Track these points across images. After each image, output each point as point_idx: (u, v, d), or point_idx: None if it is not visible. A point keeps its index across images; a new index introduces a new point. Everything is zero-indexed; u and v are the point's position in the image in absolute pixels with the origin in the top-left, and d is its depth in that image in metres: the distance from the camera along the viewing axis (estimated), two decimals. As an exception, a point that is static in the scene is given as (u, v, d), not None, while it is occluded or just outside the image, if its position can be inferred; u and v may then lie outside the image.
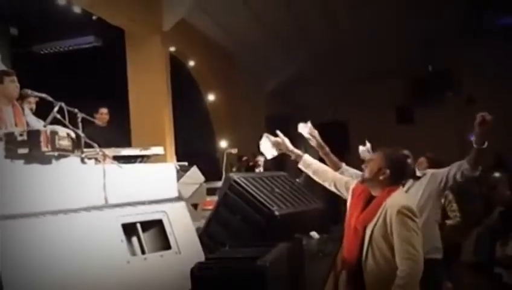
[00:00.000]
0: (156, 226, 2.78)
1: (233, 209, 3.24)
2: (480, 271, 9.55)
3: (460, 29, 16.73)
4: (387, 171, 3.58)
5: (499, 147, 16.88)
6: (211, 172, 9.72)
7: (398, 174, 3.64)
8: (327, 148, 4.76)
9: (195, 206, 7.55)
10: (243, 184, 3.24)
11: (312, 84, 17.46)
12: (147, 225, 2.75)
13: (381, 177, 3.58)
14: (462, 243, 10.30)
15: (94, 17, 10.09)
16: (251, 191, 3.21)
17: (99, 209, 2.76)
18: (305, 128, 4.77)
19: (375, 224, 3.50)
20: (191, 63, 12.67)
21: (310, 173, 4.14)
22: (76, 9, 9.35)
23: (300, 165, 4.23)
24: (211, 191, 8.02)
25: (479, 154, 4.44)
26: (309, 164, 4.17)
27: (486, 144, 4.35)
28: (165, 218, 2.81)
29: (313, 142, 4.75)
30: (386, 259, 3.45)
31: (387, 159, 3.63)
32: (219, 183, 8.52)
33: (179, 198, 3.17)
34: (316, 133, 4.71)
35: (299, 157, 4.22)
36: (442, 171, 4.81)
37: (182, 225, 2.85)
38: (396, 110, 19.68)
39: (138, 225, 2.69)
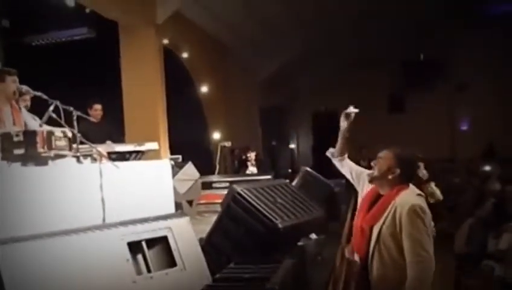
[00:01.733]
0: (160, 242, 2.77)
1: (237, 221, 3.24)
2: (471, 262, 9.65)
3: (451, 17, 16.73)
4: (397, 170, 3.57)
5: (492, 134, 17.09)
6: (204, 164, 9.71)
7: (407, 173, 3.63)
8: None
9: (190, 202, 7.55)
10: (246, 196, 3.24)
11: (304, 75, 17.45)
12: (151, 242, 2.74)
13: (390, 177, 3.58)
14: (455, 234, 10.41)
15: (87, 10, 9.98)
16: (254, 203, 3.21)
17: (104, 228, 2.74)
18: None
19: (383, 223, 3.48)
20: (185, 55, 12.61)
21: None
22: (70, 3, 9.21)
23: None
24: (205, 186, 8.00)
25: None
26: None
27: None
28: (170, 234, 2.79)
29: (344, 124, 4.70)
30: (393, 258, 3.43)
31: (397, 158, 3.62)
32: (213, 177, 8.53)
33: (183, 213, 3.17)
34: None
35: None
36: None
37: (186, 240, 2.83)
38: (387, 99, 19.71)
39: (143, 243, 2.68)
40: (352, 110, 4.70)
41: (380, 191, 3.65)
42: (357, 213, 3.79)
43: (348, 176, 4.78)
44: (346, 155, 4.88)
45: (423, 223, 3.36)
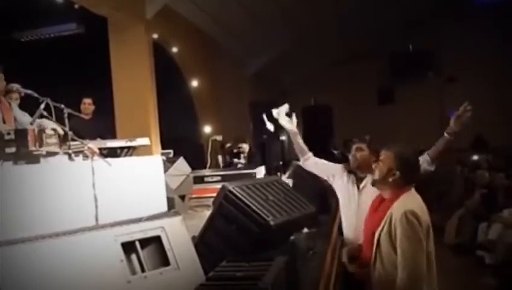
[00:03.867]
0: (153, 242, 2.79)
1: (229, 219, 3.25)
2: (462, 253, 9.76)
3: (440, 9, 16.77)
4: (397, 172, 3.37)
5: (479, 127, 17.18)
6: (195, 158, 9.70)
7: (408, 175, 3.42)
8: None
9: (182, 197, 7.55)
10: (237, 194, 3.25)
11: (294, 68, 17.44)
12: (145, 242, 2.75)
13: (390, 179, 3.39)
14: (444, 225, 10.49)
15: (76, 6, 9.94)
16: (246, 201, 3.22)
17: (98, 229, 2.76)
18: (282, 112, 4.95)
19: (382, 229, 3.35)
20: (174, 50, 12.61)
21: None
22: (59, -1, 9.18)
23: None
24: (196, 180, 8.01)
25: (445, 147, 4.17)
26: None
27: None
28: (163, 234, 2.81)
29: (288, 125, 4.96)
30: (393, 264, 3.29)
31: (397, 159, 3.40)
32: (205, 172, 8.54)
33: (176, 212, 3.19)
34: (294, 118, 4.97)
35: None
36: None
37: (179, 240, 2.85)
38: (377, 91, 19.75)
39: (137, 243, 2.70)
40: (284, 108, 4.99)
41: (383, 195, 3.51)
42: (365, 218, 3.70)
43: (317, 172, 5.00)
44: (310, 154, 4.96)
45: (413, 229, 3.20)
